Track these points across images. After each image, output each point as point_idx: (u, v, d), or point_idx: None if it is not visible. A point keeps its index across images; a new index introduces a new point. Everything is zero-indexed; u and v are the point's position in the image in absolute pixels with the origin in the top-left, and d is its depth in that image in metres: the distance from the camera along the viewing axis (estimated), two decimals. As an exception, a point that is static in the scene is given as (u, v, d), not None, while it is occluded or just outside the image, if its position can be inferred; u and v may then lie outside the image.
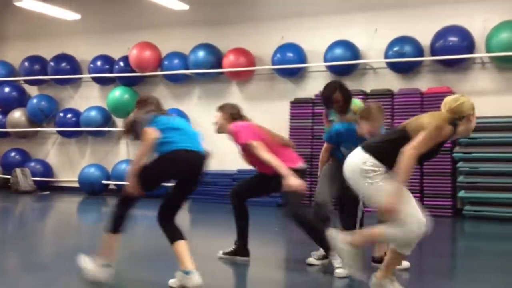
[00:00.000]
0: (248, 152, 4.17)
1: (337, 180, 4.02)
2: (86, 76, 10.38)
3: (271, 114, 9.03)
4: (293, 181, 3.80)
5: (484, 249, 4.41)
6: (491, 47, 7.46)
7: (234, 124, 4.23)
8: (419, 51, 7.93)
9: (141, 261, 4.31)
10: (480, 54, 7.68)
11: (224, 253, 4.35)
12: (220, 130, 4.33)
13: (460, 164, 7.36)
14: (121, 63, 9.93)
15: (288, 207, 3.98)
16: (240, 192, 4.36)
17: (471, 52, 7.66)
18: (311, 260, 4.14)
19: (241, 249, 4.28)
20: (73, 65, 10.46)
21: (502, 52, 7.32)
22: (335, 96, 4.26)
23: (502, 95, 7.64)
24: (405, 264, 3.83)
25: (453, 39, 7.68)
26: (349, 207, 4.24)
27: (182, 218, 7.02)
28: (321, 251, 4.05)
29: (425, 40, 7.91)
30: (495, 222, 6.85)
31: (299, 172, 3.96)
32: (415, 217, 2.95)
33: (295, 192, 3.86)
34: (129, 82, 10.00)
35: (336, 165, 4.07)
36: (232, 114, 4.32)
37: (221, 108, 4.34)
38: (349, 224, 4.16)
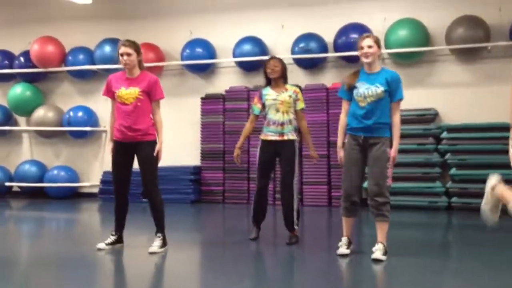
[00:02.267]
0: (143, 104, 4.46)
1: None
2: (-17, 72, 9.81)
3: (182, 110, 9.03)
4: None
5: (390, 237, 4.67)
6: (389, 44, 7.88)
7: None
8: (324, 48, 8.23)
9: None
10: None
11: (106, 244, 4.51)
12: None
13: (364, 155, 7.72)
14: (22, 59, 9.47)
15: (145, 183, 4.50)
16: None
17: (372, 48, 8.05)
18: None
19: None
20: (-31, 61, 9.85)
21: (399, 49, 7.77)
22: (273, 62, 4.85)
23: (400, 90, 8.09)
24: None
25: (354, 36, 8.02)
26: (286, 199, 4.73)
27: (93, 218, 6.86)
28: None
29: (328, 37, 8.22)
30: (397, 210, 7.25)
31: None
32: None
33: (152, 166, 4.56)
34: (30, 78, 9.56)
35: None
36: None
37: None
38: (287, 216, 4.70)
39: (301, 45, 8.20)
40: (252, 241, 4.85)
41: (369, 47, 4.11)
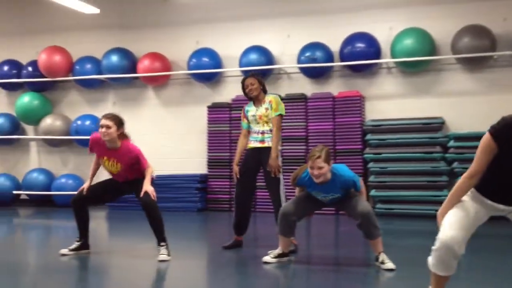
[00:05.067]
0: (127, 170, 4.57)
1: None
2: (-9, 81, 9.90)
3: (189, 119, 9.09)
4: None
5: (393, 244, 4.68)
6: (395, 53, 7.90)
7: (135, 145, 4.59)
8: (329, 57, 8.26)
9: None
10: (386, 59, 8.12)
11: (71, 250, 4.66)
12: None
13: (371, 164, 7.74)
14: (30, 68, 9.55)
15: (143, 195, 4.42)
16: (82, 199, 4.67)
17: (378, 57, 8.08)
18: (267, 258, 4.29)
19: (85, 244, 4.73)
20: (-22, 71, 9.95)
21: (405, 58, 7.79)
22: (249, 81, 4.96)
23: (406, 98, 8.12)
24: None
25: (360, 45, 8.05)
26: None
27: (101, 226, 6.91)
28: (277, 250, 4.31)
29: (334, 46, 8.25)
30: (404, 219, 7.27)
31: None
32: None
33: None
34: (38, 88, 9.64)
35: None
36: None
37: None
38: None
39: (307, 54, 8.23)
40: (224, 249, 4.90)
41: (320, 168, 3.95)
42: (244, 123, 5.07)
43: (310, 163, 3.98)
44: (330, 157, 4.05)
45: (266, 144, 4.86)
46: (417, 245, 5.30)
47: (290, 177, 4.29)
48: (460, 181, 2.63)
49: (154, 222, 4.45)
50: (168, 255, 4.40)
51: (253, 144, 4.94)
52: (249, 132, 5.03)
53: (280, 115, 4.89)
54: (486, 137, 2.50)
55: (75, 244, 4.68)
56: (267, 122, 4.89)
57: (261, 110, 4.92)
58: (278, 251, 4.33)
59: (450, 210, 2.65)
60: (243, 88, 5.02)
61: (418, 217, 7.22)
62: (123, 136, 4.55)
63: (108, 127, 4.42)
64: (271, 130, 4.87)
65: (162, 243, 4.46)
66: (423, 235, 6.03)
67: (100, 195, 4.76)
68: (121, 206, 8.44)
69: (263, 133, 4.89)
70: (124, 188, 4.71)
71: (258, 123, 4.92)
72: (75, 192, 4.82)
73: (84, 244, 4.71)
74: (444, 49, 7.88)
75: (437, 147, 7.50)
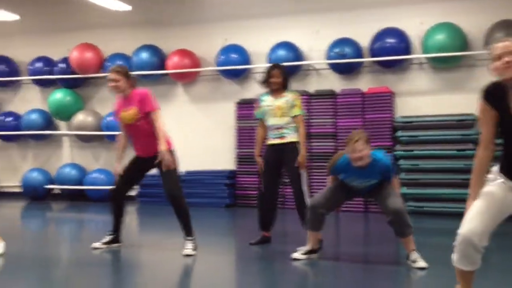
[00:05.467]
0: (143, 123, 4.52)
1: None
2: (25, 78, 10.11)
3: (217, 115, 9.13)
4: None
5: (423, 242, 4.62)
6: (427, 48, 7.79)
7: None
8: (359, 52, 8.18)
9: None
10: (417, 55, 8.01)
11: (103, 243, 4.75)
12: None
13: (401, 161, 7.65)
14: (62, 65, 9.72)
15: (167, 188, 4.41)
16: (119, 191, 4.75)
17: (408, 53, 7.98)
18: (296, 255, 4.31)
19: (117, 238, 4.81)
20: (12, 67, 10.18)
21: (436, 53, 7.66)
22: (276, 73, 4.82)
23: (438, 94, 8.00)
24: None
25: (391, 40, 7.96)
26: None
27: (132, 220, 7.01)
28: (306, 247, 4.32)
29: (364, 41, 8.17)
30: (436, 217, 7.18)
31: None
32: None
33: (172, 171, 4.38)
34: (70, 84, 9.80)
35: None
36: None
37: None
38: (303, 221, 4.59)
39: (336, 50, 8.17)
40: (252, 245, 4.91)
41: (360, 150, 3.91)
42: (257, 112, 5.02)
43: (351, 146, 3.94)
44: (369, 141, 4.02)
45: (286, 140, 4.83)
46: (449, 243, 5.18)
47: (316, 173, 4.28)
48: (476, 154, 2.66)
49: (179, 213, 4.50)
50: (194, 249, 4.44)
51: (272, 141, 4.90)
52: (264, 123, 4.98)
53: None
54: (480, 102, 2.65)
55: (107, 238, 4.76)
56: (284, 115, 4.82)
57: (280, 102, 4.84)
58: (307, 247, 4.32)
59: (475, 202, 2.66)
60: (269, 76, 4.91)
61: (450, 215, 7.11)
62: (134, 86, 4.67)
63: (116, 80, 4.54)
64: (288, 124, 4.83)
65: (189, 237, 4.50)
66: (455, 233, 5.94)
67: (130, 179, 4.80)
68: (152, 201, 8.54)
69: (281, 128, 4.84)
70: (148, 166, 4.71)
71: (275, 115, 4.83)
72: (106, 187, 4.91)
73: (116, 238, 4.79)
74: (477, 44, 7.74)
75: (470, 144, 7.37)
